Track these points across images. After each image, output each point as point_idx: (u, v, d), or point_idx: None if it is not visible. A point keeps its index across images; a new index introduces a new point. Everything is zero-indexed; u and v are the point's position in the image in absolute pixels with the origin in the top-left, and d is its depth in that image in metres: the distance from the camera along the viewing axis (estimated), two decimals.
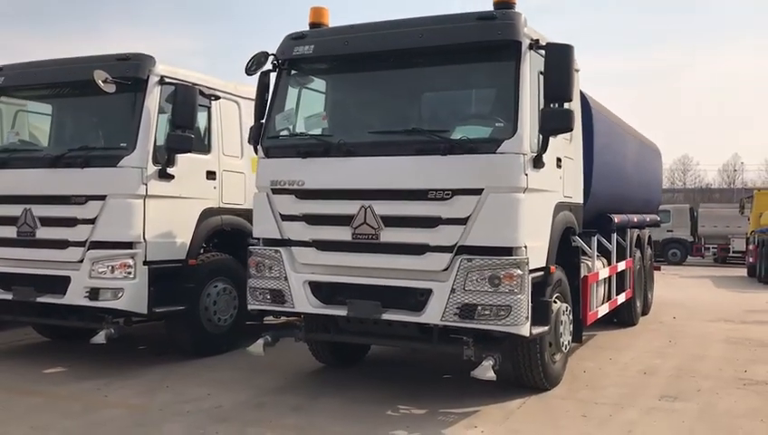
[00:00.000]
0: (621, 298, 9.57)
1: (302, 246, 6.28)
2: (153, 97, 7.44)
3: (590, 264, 7.78)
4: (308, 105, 6.78)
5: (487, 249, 5.62)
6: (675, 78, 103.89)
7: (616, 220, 9.14)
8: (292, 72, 6.70)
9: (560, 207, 6.62)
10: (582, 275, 7.36)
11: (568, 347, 6.86)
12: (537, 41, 5.95)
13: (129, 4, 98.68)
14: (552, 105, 5.72)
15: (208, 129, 8.28)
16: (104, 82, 7.14)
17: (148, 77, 7.43)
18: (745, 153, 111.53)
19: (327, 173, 6.19)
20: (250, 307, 6.67)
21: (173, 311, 7.57)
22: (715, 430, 5.68)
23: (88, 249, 7.26)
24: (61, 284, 7.32)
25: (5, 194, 7.74)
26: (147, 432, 5.51)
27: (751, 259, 22.14)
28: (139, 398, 6.48)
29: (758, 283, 20.06)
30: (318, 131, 6.56)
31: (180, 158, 7.54)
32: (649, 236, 12.28)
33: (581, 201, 7.48)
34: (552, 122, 5.74)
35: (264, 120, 6.63)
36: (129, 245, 7.20)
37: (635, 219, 10.39)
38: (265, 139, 6.58)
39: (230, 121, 8.51)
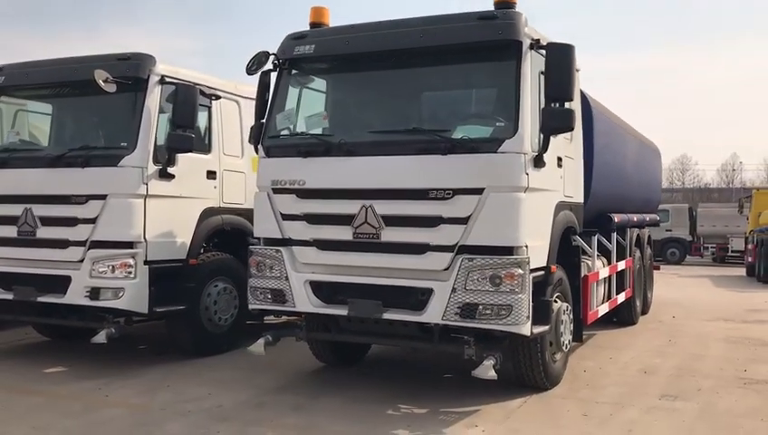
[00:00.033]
0: (621, 297, 9.59)
1: (302, 245, 6.28)
2: (154, 97, 7.43)
3: (590, 263, 7.80)
4: (309, 105, 6.79)
5: (488, 249, 5.62)
6: (674, 78, 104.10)
7: (616, 220, 9.15)
8: (293, 71, 6.70)
9: (560, 206, 6.63)
10: (583, 275, 7.37)
11: (568, 346, 6.88)
12: (538, 41, 5.96)
13: (128, 4, 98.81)
14: (552, 105, 5.73)
15: (209, 128, 8.27)
16: (105, 81, 7.14)
17: (149, 77, 7.43)
18: (744, 153, 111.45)
19: (328, 173, 6.19)
20: (251, 307, 6.67)
21: (173, 310, 7.57)
22: (716, 429, 5.69)
23: (88, 249, 7.26)
24: (61, 283, 7.32)
25: (6, 194, 7.73)
26: (148, 432, 5.51)
27: (750, 259, 22.15)
28: (139, 397, 6.48)
29: (757, 282, 20.07)
30: (319, 131, 6.57)
31: (181, 157, 7.54)
32: (649, 236, 12.29)
33: (582, 201, 7.48)
34: (553, 122, 5.74)
35: (264, 120, 6.63)
36: (129, 244, 7.20)
37: (635, 219, 10.40)
38: (266, 138, 6.58)
39: (231, 121, 8.51)
